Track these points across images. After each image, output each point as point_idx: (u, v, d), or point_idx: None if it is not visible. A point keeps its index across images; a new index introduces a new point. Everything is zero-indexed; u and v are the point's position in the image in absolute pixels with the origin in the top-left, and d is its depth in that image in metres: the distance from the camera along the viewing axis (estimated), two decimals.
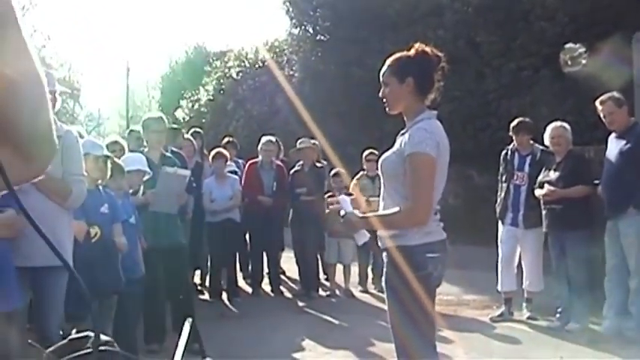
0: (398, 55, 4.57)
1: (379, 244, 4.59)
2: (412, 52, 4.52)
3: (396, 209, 4.34)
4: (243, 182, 11.53)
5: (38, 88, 1.38)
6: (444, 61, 4.52)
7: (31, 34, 40.33)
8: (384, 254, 4.52)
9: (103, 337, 1.58)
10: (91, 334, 1.58)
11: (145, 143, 8.48)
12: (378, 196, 4.69)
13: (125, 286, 6.60)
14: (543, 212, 8.67)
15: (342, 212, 4.70)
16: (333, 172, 11.28)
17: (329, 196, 10.80)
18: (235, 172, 11.50)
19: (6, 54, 1.30)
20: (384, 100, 4.60)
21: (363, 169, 11.54)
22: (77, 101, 51.46)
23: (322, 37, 23.46)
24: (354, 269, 11.73)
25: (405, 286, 4.26)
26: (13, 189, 1.32)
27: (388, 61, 4.59)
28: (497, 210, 9.44)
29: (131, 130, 10.56)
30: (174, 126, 12.86)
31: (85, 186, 5.66)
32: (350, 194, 5.19)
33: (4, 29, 1.30)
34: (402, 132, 4.54)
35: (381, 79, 4.61)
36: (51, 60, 45.36)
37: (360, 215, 4.61)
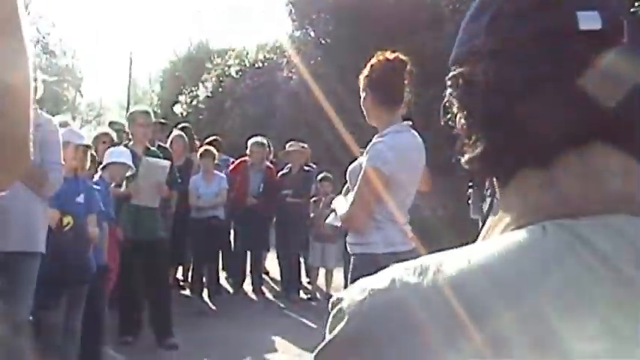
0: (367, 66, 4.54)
1: (348, 249, 4.64)
2: (374, 61, 4.48)
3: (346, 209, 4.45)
4: (230, 179, 11.58)
5: (23, 98, 1.29)
6: (411, 65, 4.47)
7: (36, 21, 40.56)
8: (352, 260, 4.56)
9: None
10: None
11: (129, 136, 8.54)
12: None
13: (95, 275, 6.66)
14: None
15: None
16: (320, 176, 11.32)
17: (314, 201, 10.90)
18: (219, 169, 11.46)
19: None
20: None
21: None
22: (78, 90, 51.58)
23: (323, 41, 23.51)
24: (337, 274, 11.73)
25: None
26: None
27: None
28: (480, 223, 9.43)
29: (111, 122, 10.54)
30: (163, 121, 12.89)
31: (61, 175, 5.70)
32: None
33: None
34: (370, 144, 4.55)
35: None
36: (55, 47, 45.56)
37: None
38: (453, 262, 0.91)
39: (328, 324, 0.95)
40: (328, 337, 0.94)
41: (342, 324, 0.92)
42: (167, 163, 8.51)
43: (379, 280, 0.92)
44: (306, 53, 23.97)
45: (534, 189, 0.97)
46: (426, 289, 0.89)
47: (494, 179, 1.09)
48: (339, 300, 0.95)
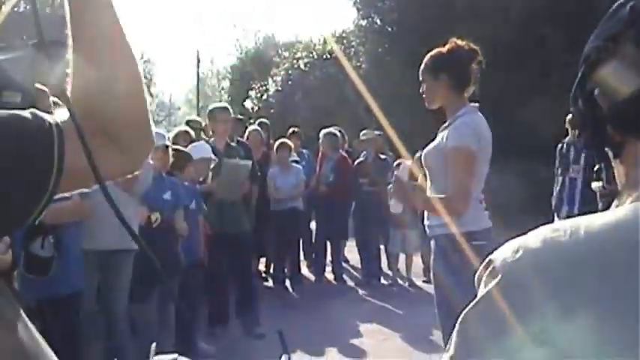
0: (433, 52, 4.64)
1: (427, 232, 4.73)
2: (446, 48, 4.59)
3: (443, 195, 4.46)
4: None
5: (138, 91, 1.43)
6: (481, 54, 4.56)
7: None
8: (432, 242, 4.65)
9: None
10: (180, 358, 1.60)
11: (208, 134, 8.71)
12: None
13: (186, 269, 6.87)
14: (599, 205, 8.58)
15: (394, 177, 4.89)
16: (397, 162, 11.37)
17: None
18: (297, 162, 11.67)
19: (111, 67, 1.37)
20: (424, 95, 4.71)
21: None
22: (149, 91, 52.25)
23: (389, 29, 23.50)
24: (417, 259, 11.81)
25: (451, 274, 4.38)
26: (103, 181, 1.33)
27: (425, 59, 4.67)
28: (553, 203, 9.41)
29: (188, 121, 10.71)
30: (240, 117, 13.07)
31: (150, 174, 5.92)
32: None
33: (108, 45, 1.39)
34: (444, 126, 4.64)
35: (420, 76, 4.70)
36: None
37: (412, 187, 4.79)
38: (601, 223, 1.01)
39: (482, 282, 1.05)
40: (481, 292, 1.04)
41: (495, 281, 1.02)
42: (248, 162, 8.74)
43: (530, 241, 1.03)
44: (372, 42, 24.00)
45: None
46: (577, 248, 0.99)
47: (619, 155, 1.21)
48: (492, 260, 1.05)
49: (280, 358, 1.77)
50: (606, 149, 1.25)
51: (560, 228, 1.02)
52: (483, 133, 4.54)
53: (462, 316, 1.06)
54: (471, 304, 1.05)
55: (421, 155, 4.86)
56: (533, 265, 1.00)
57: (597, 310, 0.93)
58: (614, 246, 0.98)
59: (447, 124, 4.63)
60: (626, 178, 1.17)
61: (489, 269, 1.05)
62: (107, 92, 1.37)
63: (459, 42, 4.59)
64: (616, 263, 0.96)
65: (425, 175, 4.95)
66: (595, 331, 0.93)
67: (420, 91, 4.73)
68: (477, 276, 1.09)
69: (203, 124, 10.14)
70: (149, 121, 1.46)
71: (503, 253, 1.04)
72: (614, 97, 1.14)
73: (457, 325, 1.07)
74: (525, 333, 0.96)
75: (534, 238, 1.03)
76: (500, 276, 1.02)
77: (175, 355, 1.49)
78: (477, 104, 4.67)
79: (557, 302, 0.95)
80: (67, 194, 1.39)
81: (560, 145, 9.52)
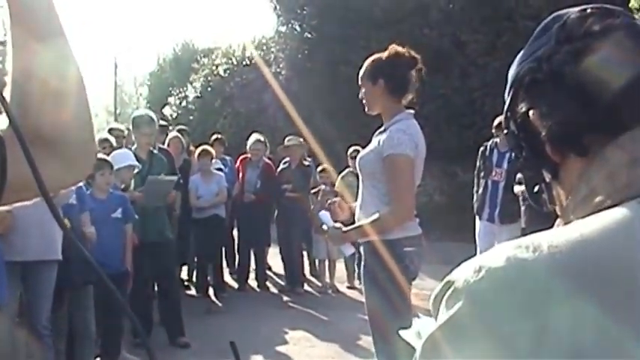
0: (372, 57, 4.67)
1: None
2: (385, 53, 4.61)
3: (376, 216, 4.45)
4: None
5: (80, 96, 1.32)
6: (421, 62, 4.60)
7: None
8: (362, 247, 4.65)
9: None
10: None
11: (130, 141, 8.60)
12: None
13: (111, 279, 6.72)
14: (522, 209, 8.68)
15: (325, 227, 4.87)
16: (320, 168, 11.40)
17: (314, 193, 10.98)
18: (221, 170, 11.59)
19: (51, 64, 1.26)
20: (363, 101, 4.72)
21: (349, 166, 11.56)
22: None
23: (309, 35, 23.57)
24: (340, 265, 11.87)
25: (384, 276, 4.39)
26: (48, 193, 1.16)
27: (365, 63, 4.69)
28: (475, 206, 9.47)
29: (111, 129, 10.44)
30: (163, 123, 12.90)
31: None
32: (335, 194, 5.30)
33: (49, 39, 1.27)
34: (380, 131, 4.65)
35: (359, 81, 4.72)
36: None
37: (345, 229, 4.74)
38: (564, 237, 0.99)
39: (442, 304, 1.02)
40: (444, 316, 1.00)
41: (459, 303, 0.98)
42: (173, 178, 8.71)
43: (493, 259, 0.99)
44: (292, 48, 24.05)
45: (621, 169, 1.08)
46: (542, 264, 0.96)
47: (561, 172, 1.21)
48: (451, 281, 1.02)
49: None
50: (543, 171, 1.26)
51: (522, 244, 1.00)
52: (419, 139, 4.57)
53: (426, 340, 1.03)
54: (436, 326, 1.02)
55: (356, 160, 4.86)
56: (496, 286, 0.97)
57: (568, 325, 0.92)
58: (579, 261, 0.97)
59: (382, 128, 4.64)
60: (569, 195, 1.17)
61: (450, 290, 1.01)
62: (48, 91, 1.25)
63: (400, 49, 4.60)
64: (584, 278, 0.95)
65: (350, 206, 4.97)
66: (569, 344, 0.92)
67: (360, 96, 4.73)
68: (433, 297, 1.05)
69: (125, 132, 10.01)
70: (92, 129, 1.37)
71: (464, 274, 1.01)
72: (559, 115, 1.14)
73: (422, 349, 1.03)
74: (500, 352, 0.94)
75: (495, 256, 1.00)
76: (463, 298, 0.98)
77: None
78: (412, 111, 4.69)
79: (528, 321, 0.93)
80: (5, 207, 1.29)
81: (482, 148, 9.59)
